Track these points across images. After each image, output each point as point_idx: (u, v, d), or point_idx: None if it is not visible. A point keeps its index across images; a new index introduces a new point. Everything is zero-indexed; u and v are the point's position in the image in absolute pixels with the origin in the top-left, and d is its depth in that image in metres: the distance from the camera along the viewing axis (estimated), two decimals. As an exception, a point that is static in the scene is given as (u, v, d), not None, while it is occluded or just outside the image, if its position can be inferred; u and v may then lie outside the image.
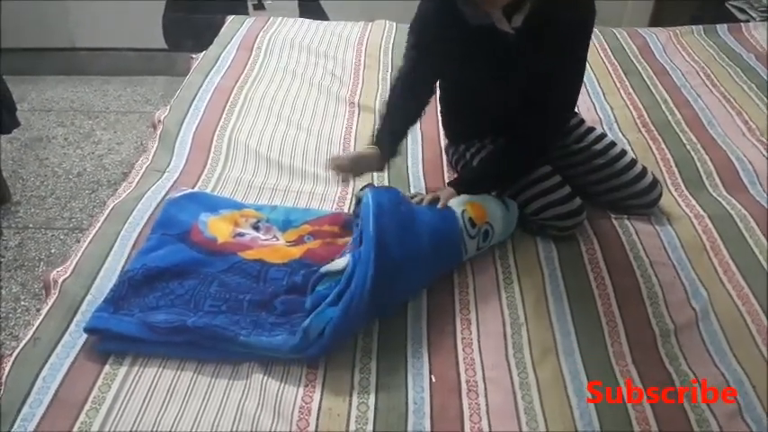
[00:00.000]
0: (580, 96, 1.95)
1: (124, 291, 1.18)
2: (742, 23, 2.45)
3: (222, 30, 2.34)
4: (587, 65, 2.23)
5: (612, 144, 1.52)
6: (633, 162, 1.49)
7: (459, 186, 1.37)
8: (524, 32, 1.21)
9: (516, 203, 1.40)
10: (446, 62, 1.35)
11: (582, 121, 1.57)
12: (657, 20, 2.98)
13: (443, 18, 1.26)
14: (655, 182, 1.48)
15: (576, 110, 1.59)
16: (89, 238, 1.35)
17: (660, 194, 1.49)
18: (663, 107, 1.92)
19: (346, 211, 1.49)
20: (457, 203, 1.32)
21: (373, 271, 1.10)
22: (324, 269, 1.19)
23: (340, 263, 1.17)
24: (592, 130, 1.54)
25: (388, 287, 1.14)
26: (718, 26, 2.39)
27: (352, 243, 1.24)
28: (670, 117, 1.87)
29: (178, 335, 1.11)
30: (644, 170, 1.48)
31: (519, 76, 1.32)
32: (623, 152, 1.51)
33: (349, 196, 1.55)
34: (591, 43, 2.30)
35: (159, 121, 1.78)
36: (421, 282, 1.25)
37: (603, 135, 1.54)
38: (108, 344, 1.13)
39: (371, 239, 1.14)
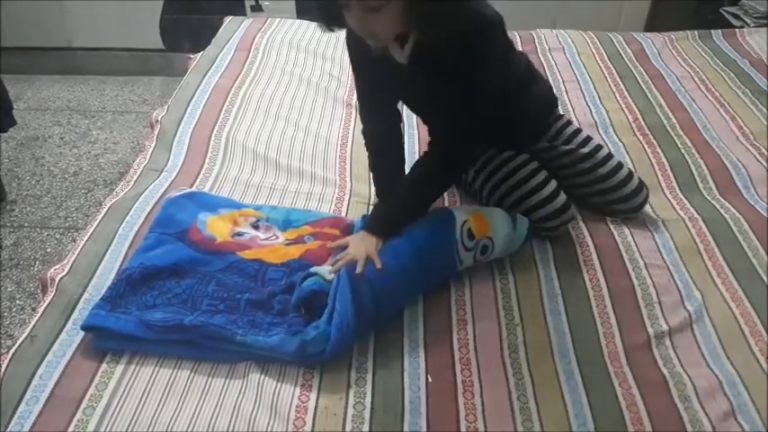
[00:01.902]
0: (576, 100, 1.98)
1: (122, 289, 1.18)
2: (736, 29, 2.46)
3: (220, 31, 2.34)
4: (583, 68, 2.22)
5: (599, 147, 1.50)
6: (619, 166, 1.48)
7: (372, 230, 1.25)
8: (415, 62, 1.21)
9: (528, 221, 1.34)
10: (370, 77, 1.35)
11: (569, 122, 1.55)
12: (653, 25, 3.00)
13: (355, 41, 1.25)
14: (639, 187, 1.47)
15: (561, 112, 1.59)
16: (86, 237, 1.35)
17: (645, 200, 1.48)
18: (658, 111, 1.93)
19: (344, 213, 1.50)
20: (460, 213, 1.30)
21: (353, 309, 1.12)
22: (313, 269, 1.20)
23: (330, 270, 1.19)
24: (579, 132, 1.53)
25: (373, 312, 1.15)
26: (713, 32, 2.41)
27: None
28: (665, 121, 1.88)
29: (175, 333, 1.11)
30: (629, 175, 1.47)
31: (419, 101, 1.38)
32: (609, 155, 1.49)
33: (347, 197, 1.56)
34: (588, 48, 2.29)
35: (157, 120, 1.78)
36: (413, 294, 1.25)
37: (590, 138, 1.53)
38: (105, 342, 1.12)
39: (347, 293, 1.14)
